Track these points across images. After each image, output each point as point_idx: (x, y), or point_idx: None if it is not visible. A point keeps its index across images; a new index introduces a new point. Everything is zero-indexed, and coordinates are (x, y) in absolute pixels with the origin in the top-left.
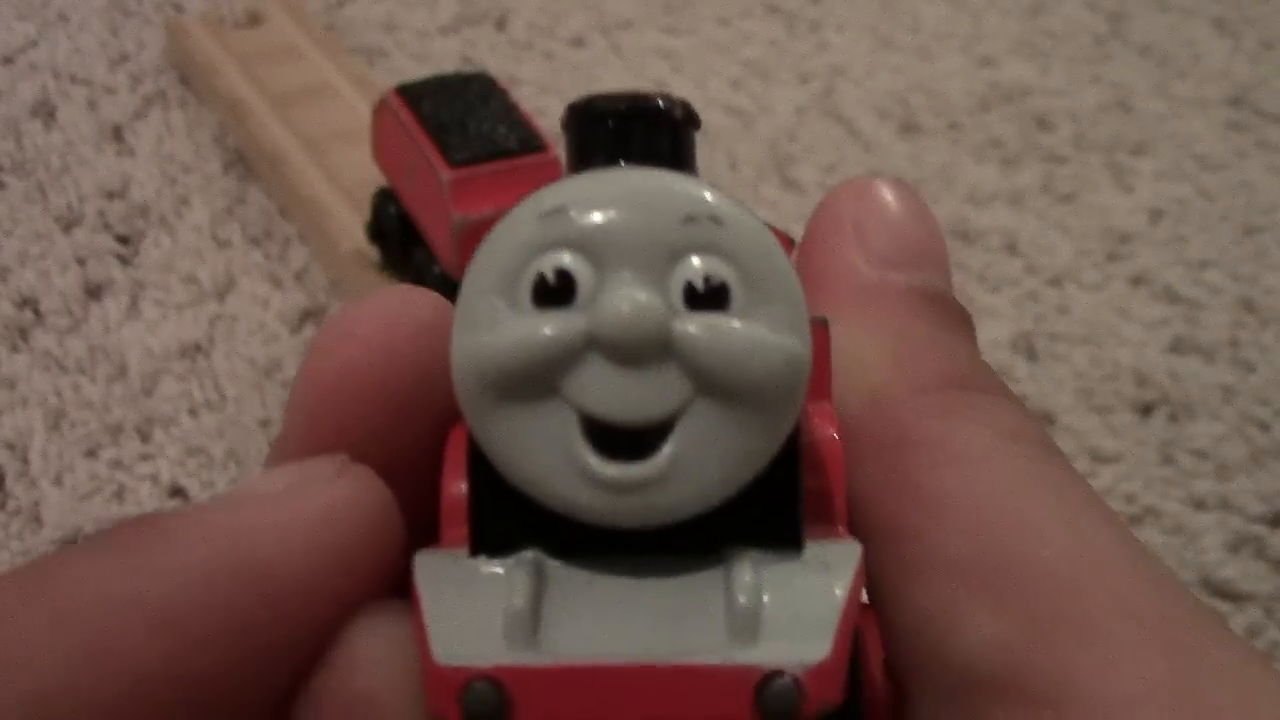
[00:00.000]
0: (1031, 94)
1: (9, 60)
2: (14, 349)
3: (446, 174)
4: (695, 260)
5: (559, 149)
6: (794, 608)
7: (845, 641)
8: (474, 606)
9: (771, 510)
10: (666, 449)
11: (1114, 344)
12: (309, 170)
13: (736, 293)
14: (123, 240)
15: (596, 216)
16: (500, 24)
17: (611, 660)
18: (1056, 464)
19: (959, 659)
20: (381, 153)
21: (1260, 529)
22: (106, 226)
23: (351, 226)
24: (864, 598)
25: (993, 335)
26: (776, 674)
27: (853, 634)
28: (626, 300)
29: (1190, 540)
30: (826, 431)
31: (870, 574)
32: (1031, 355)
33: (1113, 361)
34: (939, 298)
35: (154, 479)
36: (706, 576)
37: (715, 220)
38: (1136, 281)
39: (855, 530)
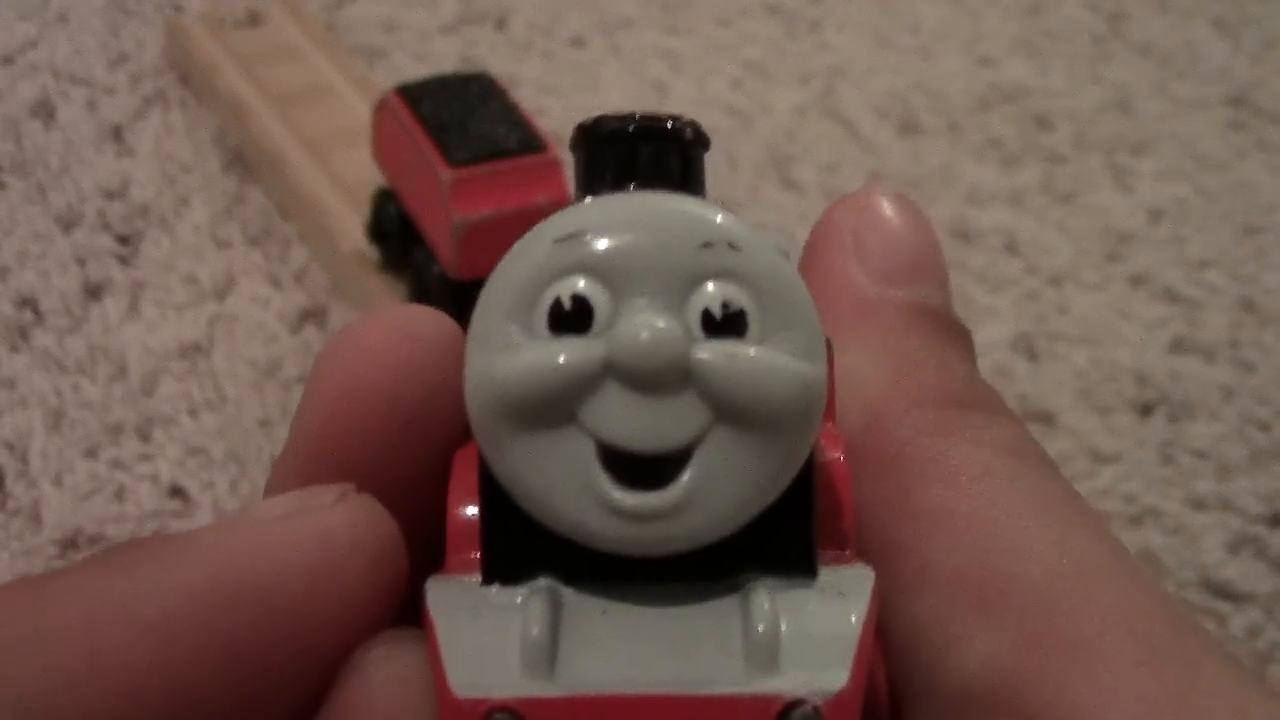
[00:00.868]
0: (1031, 94)
1: (9, 60)
2: (14, 349)
3: (446, 174)
4: (712, 286)
5: (558, 149)
6: (811, 635)
7: (863, 669)
8: (490, 636)
9: (786, 537)
10: (685, 478)
11: (1114, 344)
12: (309, 170)
13: (753, 319)
14: (123, 240)
15: (613, 242)
16: (500, 24)
17: (631, 690)
18: (1053, 481)
19: (953, 676)
20: (381, 153)
21: (1260, 529)
22: (106, 226)
23: (351, 226)
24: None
25: (993, 335)
26: (797, 703)
27: (869, 661)
28: (645, 327)
29: (1190, 540)
30: (833, 453)
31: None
32: (1031, 355)
33: (1113, 361)
34: (937, 314)
35: (154, 479)
36: (722, 604)
37: (732, 246)
38: (1136, 281)
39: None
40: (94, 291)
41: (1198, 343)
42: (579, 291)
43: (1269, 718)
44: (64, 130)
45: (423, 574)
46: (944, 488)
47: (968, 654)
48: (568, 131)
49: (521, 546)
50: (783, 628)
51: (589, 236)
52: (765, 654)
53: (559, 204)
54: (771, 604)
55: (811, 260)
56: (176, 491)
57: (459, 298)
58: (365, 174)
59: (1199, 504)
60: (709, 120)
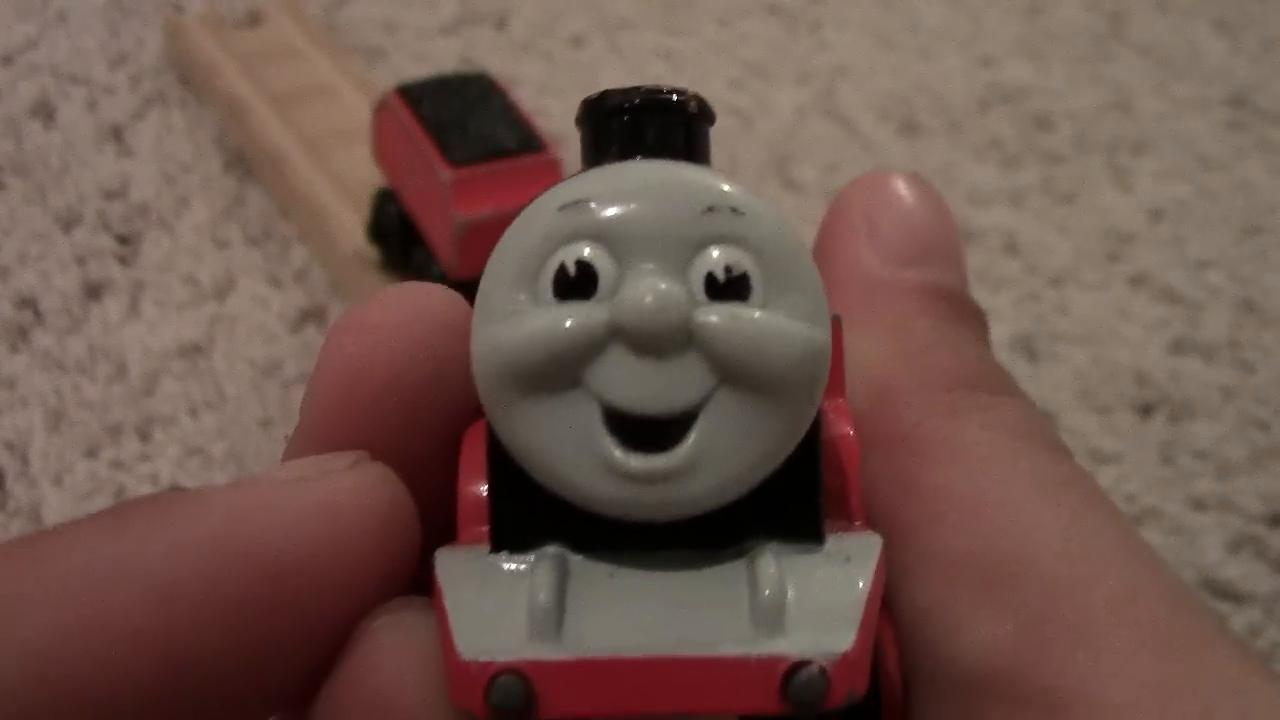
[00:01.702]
0: (1031, 94)
1: (9, 60)
2: (14, 349)
3: (446, 174)
4: (715, 251)
5: (558, 149)
6: (817, 599)
7: (869, 632)
8: (497, 601)
9: (793, 503)
10: (690, 440)
11: (1114, 344)
12: (309, 170)
13: (757, 283)
14: (123, 240)
15: (617, 208)
16: (500, 24)
17: (637, 653)
18: (1063, 464)
19: (958, 659)
20: (381, 153)
21: (1260, 529)
22: (106, 226)
23: (351, 226)
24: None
25: (993, 335)
26: (803, 664)
27: (875, 625)
28: (649, 290)
29: (1190, 540)
30: (843, 428)
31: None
32: (1031, 355)
33: (1113, 361)
34: (951, 294)
35: (154, 479)
36: (729, 569)
37: (735, 211)
38: (1136, 281)
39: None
40: (94, 291)
41: (1198, 343)
42: (584, 257)
43: (1270, 701)
44: (64, 130)
45: (433, 550)
46: (952, 468)
47: (972, 636)
48: (568, 132)
49: (529, 515)
50: (789, 591)
51: (593, 204)
52: (771, 617)
53: None
54: (778, 568)
55: (825, 241)
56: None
57: None
58: (365, 174)
59: (1199, 504)
60: None
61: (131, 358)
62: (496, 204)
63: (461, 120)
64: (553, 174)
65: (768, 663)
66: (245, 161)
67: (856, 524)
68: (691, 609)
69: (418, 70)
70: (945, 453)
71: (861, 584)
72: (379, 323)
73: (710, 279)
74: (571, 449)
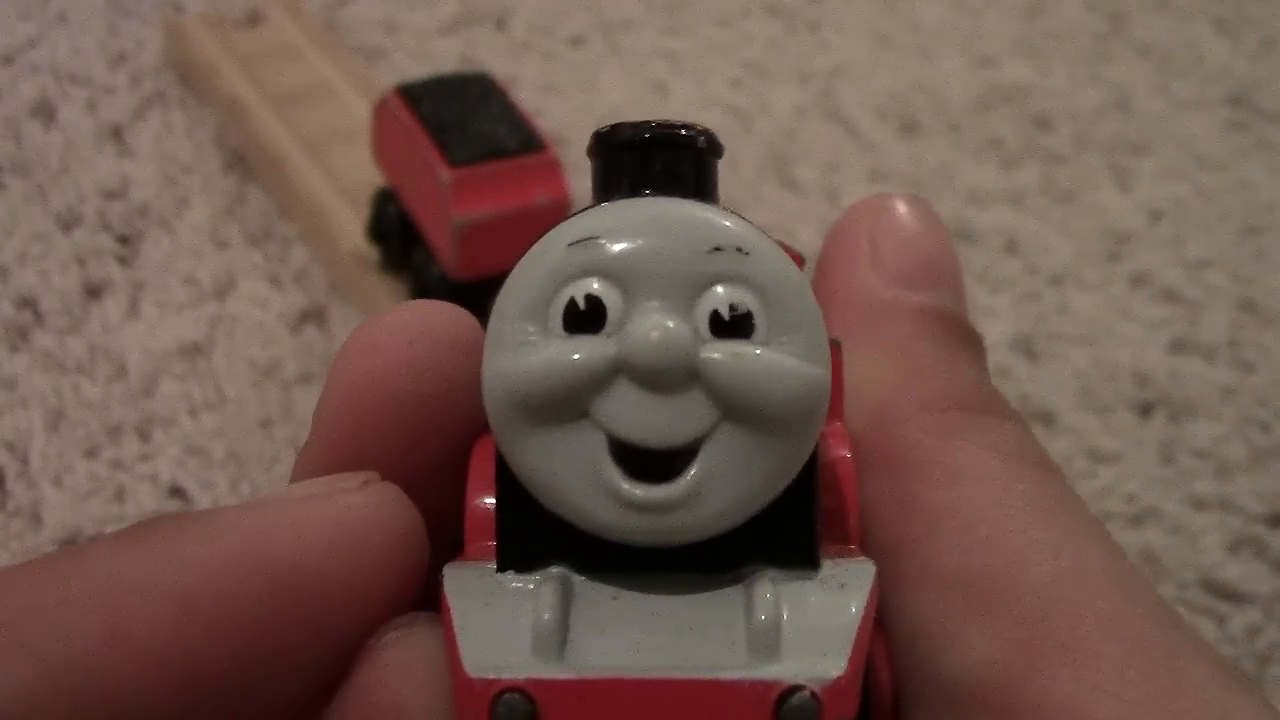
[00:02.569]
0: (1031, 94)
1: (9, 60)
2: (14, 349)
3: (446, 174)
4: (721, 289)
5: (558, 149)
6: (811, 625)
7: (860, 658)
8: (503, 620)
9: (789, 530)
10: (691, 472)
11: (1114, 344)
12: (309, 170)
13: (760, 321)
14: (123, 240)
15: (626, 245)
16: (500, 24)
17: (637, 674)
18: (1054, 486)
19: (950, 674)
20: (381, 153)
21: (1260, 529)
22: (106, 226)
23: (351, 226)
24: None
25: (993, 335)
26: (796, 689)
27: (867, 650)
28: (656, 327)
29: (1190, 540)
30: (840, 451)
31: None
32: (1031, 355)
33: (1113, 361)
34: (949, 318)
35: (154, 479)
36: (727, 594)
37: (740, 250)
38: (1136, 281)
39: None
40: (94, 291)
41: (1198, 343)
42: (593, 292)
43: (1248, 717)
44: (64, 130)
45: (442, 563)
46: (948, 489)
47: (965, 652)
48: (568, 131)
49: (536, 536)
50: (784, 617)
51: (603, 240)
52: (766, 642)
53: (559, 204)
54: (774, 594)
55: (828, 263)
56: (176, 491)
57: (459, 298)
58: (365, 174)
59: (1199, 504)
60: (709, 120)
61: (131, 358)
62: (496, 204)
63: (461, 120)
64: (552, 174)
65: (761, 687)
66: (245, 161)
67: (852, 547)
68: (690, 632)
69: (418, 70)
70: (942, 473)
71: (854, 609)
72: (388, 341)
73: (715, 316)
74: (577, 477)
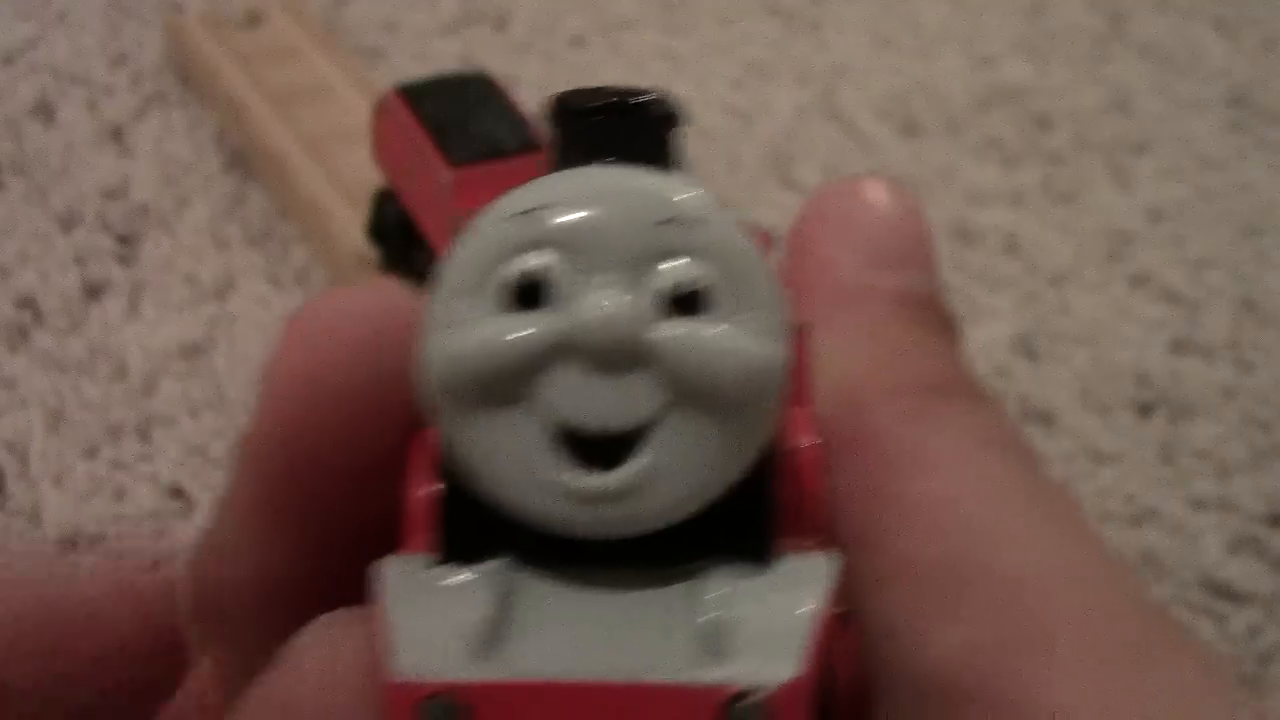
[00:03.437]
0: (1031, 94)
1: (9, 60)
2: (14, 349)
3: (446, 174)
4: (674, 263)
5: None
6: (763, 625)
7: (815, 660)
8: (438, 617)
9: (744, 523)
10: (640, 459)
11: (1114, 344)
12: (309, 170)
13: (716, 297)
14: (123, 240)
15: (572, 217)
16: (500, 24)
17: (575, 677)
18: (1032, 472)
19: (924, 666)
20: (381, 153)
21: (1260, 529)
22: (106, 226)
23: (351, 227)
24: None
25: (993, 335)
26: (744, 694)
27: (823, 652)
28: (602, 303)
29: (1190, 540)
30: (807, 439)
31: (841, 579)
32: (1031, 355)
33: (1113, 361)
34: (923, 300)
35: (154, 479)
36: (676, 590)
37: (696, 221)
38: (1136, 281)
39: (829, 535)
40: (94, 291)
41: (1198, 343)
42: (535, 267)
43: (1216, 714)
44: (64, 130)
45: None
46: (921, 477)
47: (936, 645)
48: None
49: (477, 527)
50: (734, 615)
51: (547, 211)
52: (713, 643)
53: None
54: (723, 591)
55: (798, 243)
56: (176, 492)
57: None
58: (365, 174)
59: (1199, 504)
60: (709, 120)
61: (131, 358)
62: None
63: (461, 120)
64: None
65: (706, 692)
66: (245, 161)
67: (817, 540)
68: (635, 631)
69: (418, 70)
70: (914, 460)
71: (809, 609)
72: (324, 328)
73: (667, 292)
74: (518, 465)
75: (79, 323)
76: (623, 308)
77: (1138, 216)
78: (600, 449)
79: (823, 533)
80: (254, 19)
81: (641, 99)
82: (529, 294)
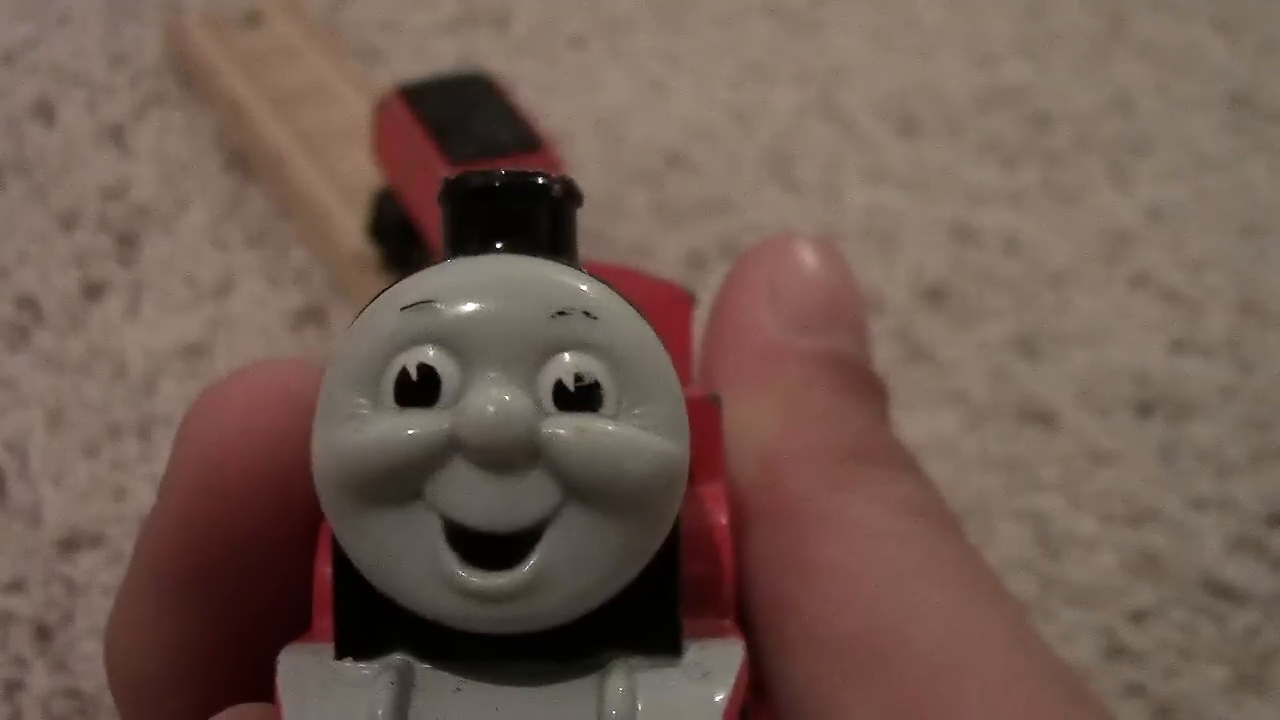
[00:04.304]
0: (1031, 94)
1: (9, 60)
2: (14, 349)
3: (446, 173)
4: (566, 357)
5: (558, 149)
6: (670, 718)
7: None
8: (337, 715)
9: (649, 614)
10: (532, 559)
11: (1114, 344)
12: (309, 170)
13: (609, 392)
14: (123, 240)
15: (462, 310)
16: (500, 24)
17: None
18: (951, 543)
19: None
20: (381, 153)
21: (1260, 529)
22: (106, 226)
23: (351, 226)
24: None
25: (993, 335)
26: None
27: None
28: (492, 401)
29: (1190, 540)
30: (716, 517)
31: (755, 647)
32: (1031, 355)
33: (1113, 361)
34: (848, 363)
35: (154, 479)
36: (580, 685)
37: (588, 314)
38: (1136, 281)
39: (741, 603)
40: (94, 291)
41: (1198, 343)
42: (427, 362)
43: None
44: (64, 130)
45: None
46: (836, 545)
47: (847, 716)
48: (568, 132)
49: (375, 620)
50: (639, 709)
51: (439, 304)
52: None
53: None
54: (628, 685)
55: (723, 304)
56: None
57: None
58: (365, 174)
59: (1199, 504)
60: (709, 120)
61: (131, 358)
62: None
63: (461, 120)
64: (553, 173)
65: None
66: (245, 161)
67: (726, 623)
68: None
69: (418, 70)
70: (831, 528)
71: (718, 699)
72: (240, 405)
73: (559, 387)
74: (412, 563)
75: (79, 323)
76: (514, 405)
77: (1138, 216)
78: (494, 548)
79: (733, 612)
80: (254, 19)
81: (536, 180)
82: (422, 389)
